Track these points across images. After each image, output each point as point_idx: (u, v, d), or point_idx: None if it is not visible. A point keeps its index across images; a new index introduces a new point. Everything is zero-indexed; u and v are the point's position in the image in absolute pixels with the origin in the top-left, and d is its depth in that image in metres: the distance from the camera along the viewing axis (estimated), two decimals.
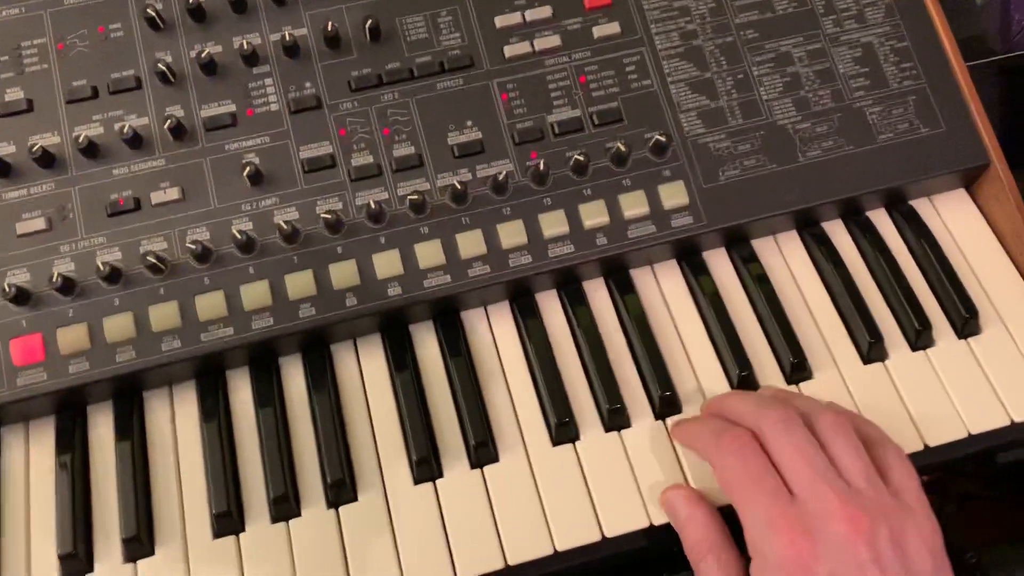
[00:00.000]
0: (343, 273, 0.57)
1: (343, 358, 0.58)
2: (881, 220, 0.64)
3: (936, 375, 0.58)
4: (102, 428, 0.56)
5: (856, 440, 0.49)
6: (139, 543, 0.52)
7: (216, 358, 0.56)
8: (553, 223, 0.58)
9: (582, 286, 0.61)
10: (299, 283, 0.56)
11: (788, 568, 0.44)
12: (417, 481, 0.54)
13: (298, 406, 0.57)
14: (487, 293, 0.59)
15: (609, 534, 0.53)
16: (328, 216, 0.56)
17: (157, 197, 0.57)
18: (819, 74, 0.62)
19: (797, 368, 0.57)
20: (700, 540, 0.50)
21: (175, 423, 0.56)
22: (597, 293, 0.61)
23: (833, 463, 0.47)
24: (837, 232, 0.63)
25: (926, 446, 0.55)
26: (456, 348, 0.58)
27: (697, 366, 0.58)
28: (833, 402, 0.55)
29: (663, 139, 0.59)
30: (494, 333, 0.60)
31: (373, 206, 0.57)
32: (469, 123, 0.60)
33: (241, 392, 0.57)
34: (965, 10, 0.78)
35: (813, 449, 0.47)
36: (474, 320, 0.60)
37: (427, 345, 0.59)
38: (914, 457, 0.55)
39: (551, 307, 0.60)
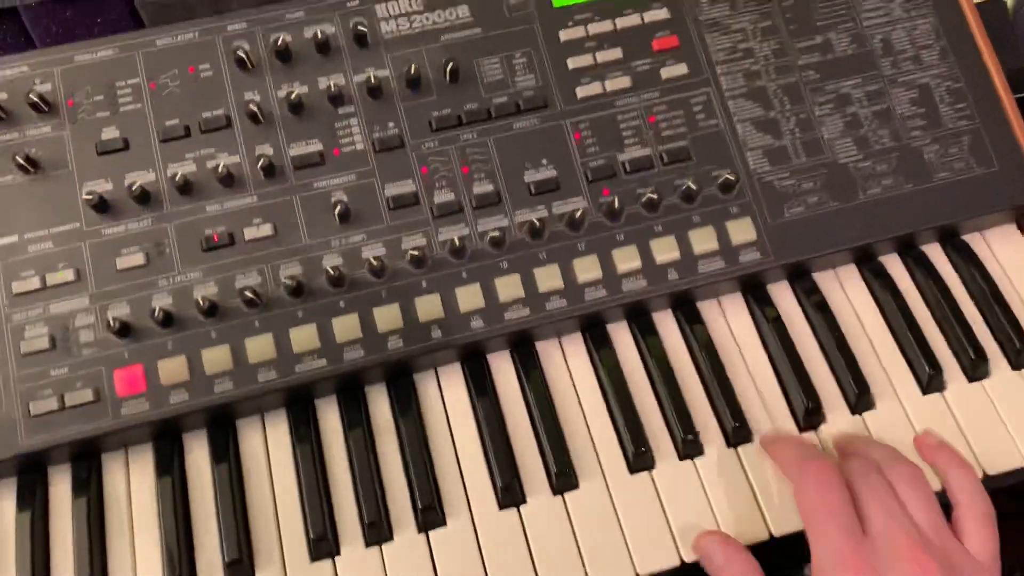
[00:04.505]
0: (428, 306, 0.59)
1: (426, 387, 0.61)
2: (934, 254, 0.66)
3: (992, 405, 0.60)
4: (198, 454, 0.59)
5: (930, 492, 0.51)
6: (241, 566, 0.55)
7: (307, 388, 0.59)
8: (626, 258, 0.61)
9: (652, 318, 0.63)
10: (387, 316, 0.59)
11: None
12: (502, 507, 0.57)
13: (384, 434, 0.60)
14: (562, 325, 0.62)
15: (688, 559, 0.55)
16: (415, 252, 0.59)
17: (250, 233, 0.60)
18: (878, 114, 0.65)
19: (862, 399, 0.60)
20: None
21: (268, 450, 0.59)
22: (666, 324, 0.64)
23: (905, 511, 0.50)
24: (893, 265, 0.66)
25: (985, 474, 0.58)
26: (534, 378, 0.61)
27: (765, 396, 0.61)
28: (929, 433, 0.58)
29: (732, 177, 0.62)
30: (568, 363, 0.62)
31: (456, 242, 0.59)
32: (544, 161, 0.63)
33: (330, 420, 0.60)
34: (1012, 42, 0.81)
35: (891, 495, 0.49)
36: (549, 351, 0.63)
37: (505, 375, 0.62)
38: None
39: (622, 338, 0.63)
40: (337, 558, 0.56)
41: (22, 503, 0.57)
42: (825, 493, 0.50)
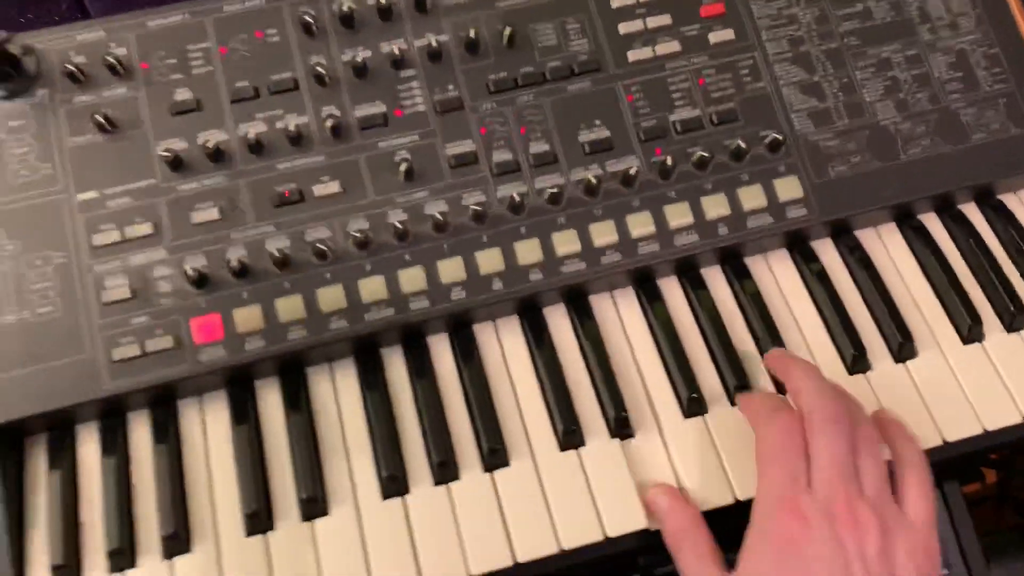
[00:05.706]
0: (489, 260, 0.62)
1: (486, 338, 0.64)
2: (971, 212, 0.69)
3: None
4: (270, 401, 0.61)
5: (882, 460, 0.52)
6: (315, 503, 0.57)
7: (375, 337, 0.61)
8: (678, 214, 0.64)
9: (700, 273, 0.66)
10: (450, 269, 0.61)
11: (779, 541, 0.49)
12: (563, 448, 0.60)
13: (447, 382, 0.62)
14: (616, 278, 0.64)
15: (741, 497, 0.58)
16: (476, 208, 0.62)
17: (319, 190, 0.62)
18: (916, 78, 0.68)
19: (905, 347, 0.62)
20: (678, 529, 0.55)
21: (338, 397, 0.62)
22: (714, 278, 0.66)
23: (856, 469, 0.51)
24: (931, 223, 0.68)
25: None
26: (589, 328, 0.63)
27: (812, 345, 0.63)
28: (883, 410, 0.59)
29: (779, 137, 0.64)
30: (621, 316, 0.65)
31: (515, 198, 0.62)
32: (598, 122, 0.66)
33: (396, 368, 0.62)
34: None
35: (845, 451, 0.51)
36: (603, 304, 0.65)
37: (561, 326, 0.64)
38: (1013, 429, 0.61)
39: (673, 291, 0.66)
40: (407, 496, 0.58)
41: (106, 448, 0.59)
42: (785, 439, 0.52)
